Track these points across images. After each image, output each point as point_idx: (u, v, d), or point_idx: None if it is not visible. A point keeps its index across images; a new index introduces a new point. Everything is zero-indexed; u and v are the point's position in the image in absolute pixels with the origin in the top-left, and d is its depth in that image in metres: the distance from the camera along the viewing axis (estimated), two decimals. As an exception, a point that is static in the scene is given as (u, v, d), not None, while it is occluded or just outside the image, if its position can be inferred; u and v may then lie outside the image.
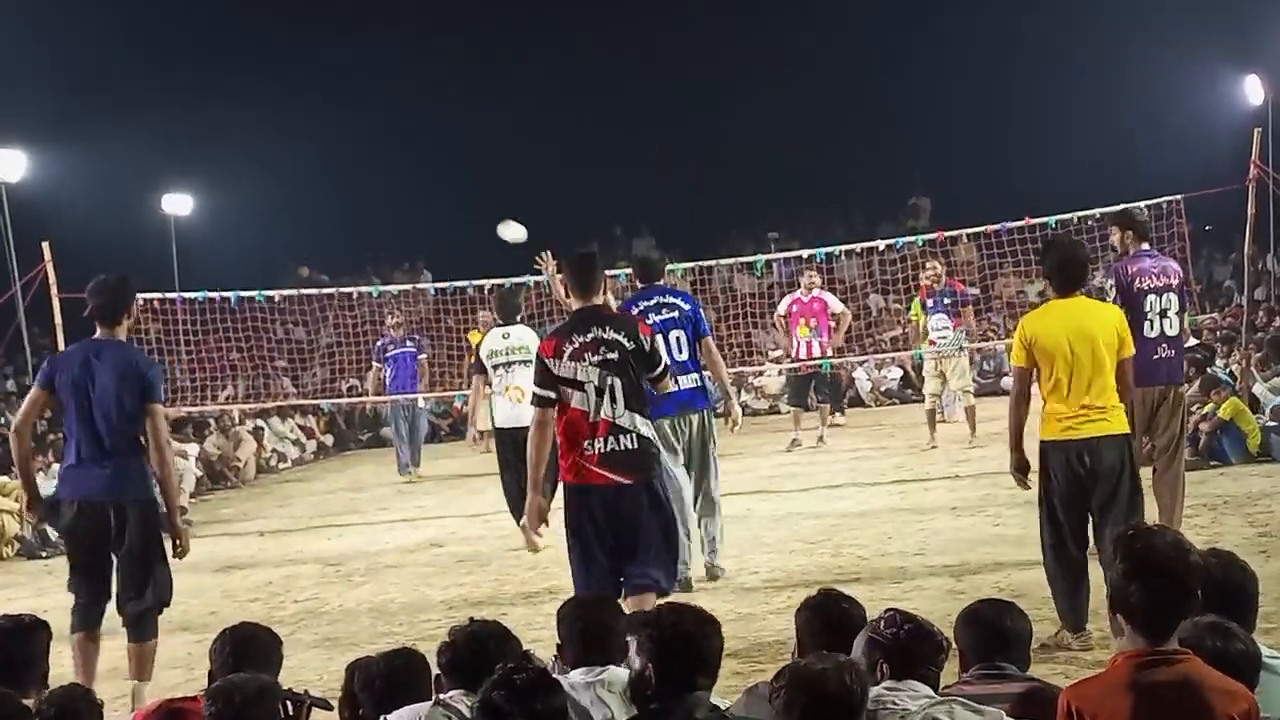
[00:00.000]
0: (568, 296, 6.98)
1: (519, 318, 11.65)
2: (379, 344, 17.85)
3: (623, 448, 6.66)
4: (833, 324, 16.35)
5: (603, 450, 6.66)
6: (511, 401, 11.00)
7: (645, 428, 6.76)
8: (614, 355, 6.67)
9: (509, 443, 10.91)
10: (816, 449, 16.42)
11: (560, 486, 7.12)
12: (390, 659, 4.56)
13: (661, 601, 4.76)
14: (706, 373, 9.37)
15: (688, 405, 9.16)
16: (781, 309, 16.62)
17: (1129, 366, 6.82)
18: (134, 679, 7.17)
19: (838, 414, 19.53)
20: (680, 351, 9.13)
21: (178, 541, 7.23)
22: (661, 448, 8.87)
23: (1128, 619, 3.61)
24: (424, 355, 17.91)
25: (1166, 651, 3.55)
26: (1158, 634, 3.57)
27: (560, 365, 6.66)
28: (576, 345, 6.67)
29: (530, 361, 10.06)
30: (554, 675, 4.34)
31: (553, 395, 6.69)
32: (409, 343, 17.58)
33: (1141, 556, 3.59)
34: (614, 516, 6.68)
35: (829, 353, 16.39)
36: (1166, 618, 3.59)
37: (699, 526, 9.35)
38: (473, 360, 11.85)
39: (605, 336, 6.69)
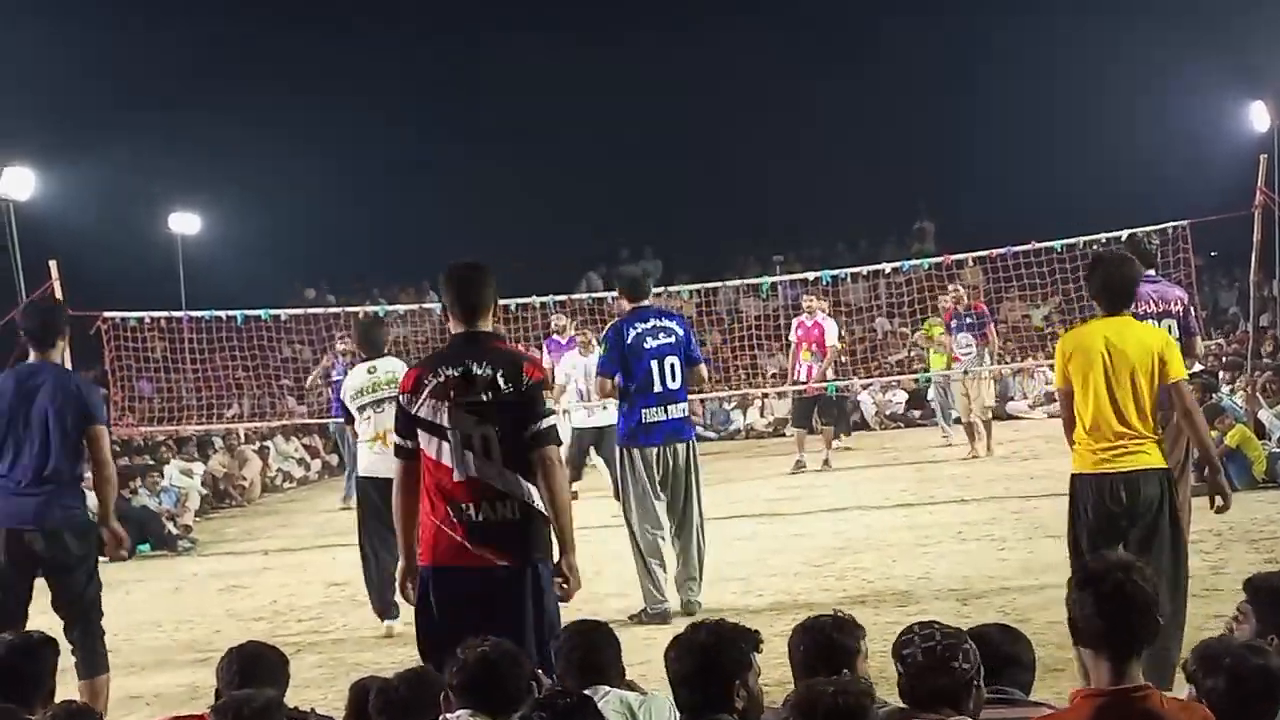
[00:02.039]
0: (446, 320, 5.56)
1: (386, 349, 9.70)
2: (327, 366, 17.76)
3: (500, 517, 5.21)
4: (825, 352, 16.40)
5: (473, 519, 5.20)
6: (384, 447, 8.71)
7: (531, 493, 5.26)
8: (486, 397, 5.22)
9: (367, 497, 9.28)
10: (821, 472, 16.39)
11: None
12: (408, 679, 4.55)
13: (698, 618, 4.39)
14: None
15: (674, 435, 8.98)
16: (791, 336, 16.68)
17: (1181, 390, 6.27)
18: None
19: (841, 435, 19.65)
20: (673, 380, 8.90)
21: (120, 543, 7.05)
22: (634, 482, 8.92)
23: (1087, 645, 3.56)
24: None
25: (1126, 689, 3.49)
26: (1117, 661, 3.52)
27: (418, 403, 5.29)
28: (442, 380, 5.26)
29: None
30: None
31: (411, 445, 5.33)
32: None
33: (1094, 579, 3.54)
34: (484, 610, 5.08)
35: (828, 377, 16.46)
36: (1129, 649, 3.53)
37: (677, 561, 9.08)
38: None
39: (479, 373, 5.24)
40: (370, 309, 20.91)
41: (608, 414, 13.22)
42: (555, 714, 3.69)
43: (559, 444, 5.40)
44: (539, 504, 5.28)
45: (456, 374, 5.26)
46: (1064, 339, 6.50)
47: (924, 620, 3.99)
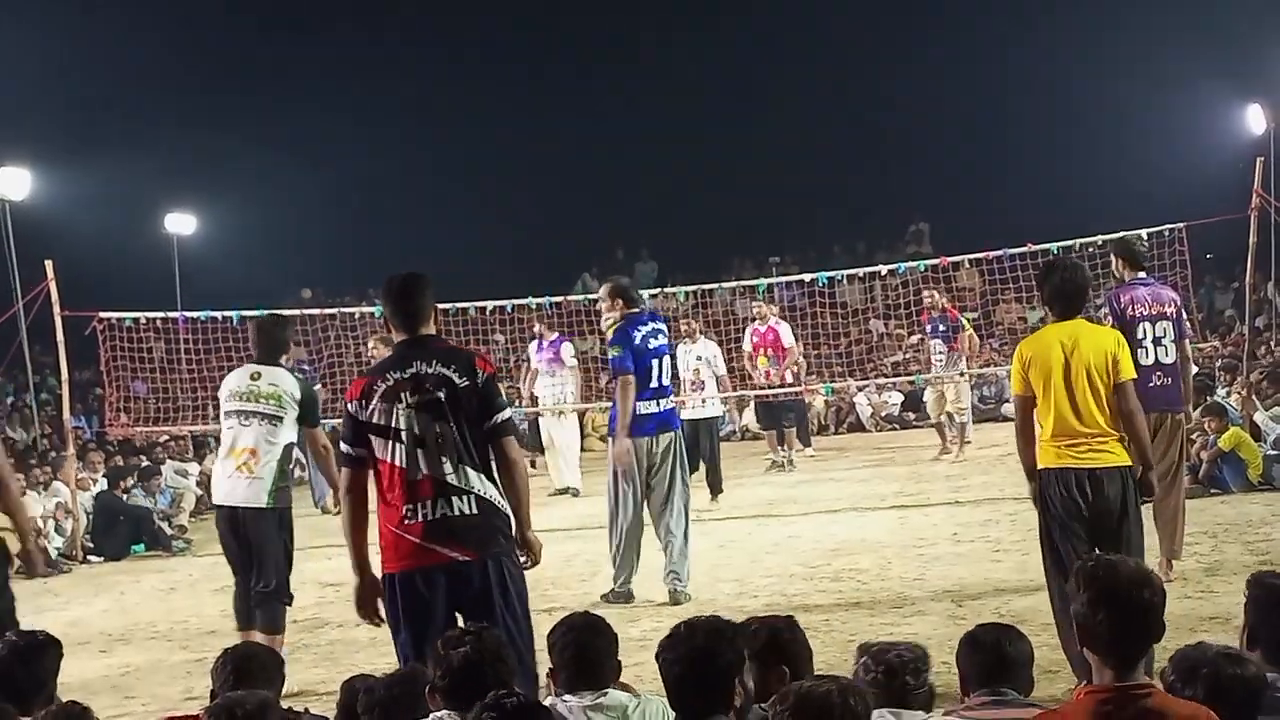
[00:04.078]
0: (387, 330, 5.52)
1: (285, 358, 8.54)
2: None
3: (456, 513, 5.27)
4: (784, 354, 16.54)
5: (430, 517, 5.26)
6: (238, 470, 8.01)
7: (487, 488, 5.36)
8: (439, 394, 5.29)
9: (225, 529, 8.23)
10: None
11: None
12: (393, 680, 4.53)
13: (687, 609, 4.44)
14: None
15: (665, 425, 9.55)
16: (746, 345, 16.84)
17: (1129, 390, 6.50)
18: None
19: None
20: (666, 376, 9.61)
21: (35, 560, 6.45)
22: (624, 473, 9.37)
23: (1094, 650, 3.58)
24: (317, 387, 17.86)
25: (1130, 686, 3.51)
26: (1125, 665, 3.53)
27: (368, 409, 5.33)
28: (391, 383, 5.33)
29: (282, 418, 8.10)
30: (546, 700, 4.34)
31: (362, 453, 5.37)
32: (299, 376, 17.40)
33: (1105, 586, 3.55)
34: (447, 605, 5.27)
35: (788, 380, 16.69)
36: (1132, 648, 3.55)
37: (663, 550, 9.49)
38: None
39: (429, 372, 5.32)
40: (367, 309, 20.87)
41: (706, 408, 14.65)
42: (503, 715, 3.68)
43: (516, 434, 5.57)
44: (496, 498, 5.39)
45: (405, 376, 5.33)
46: (1022, 346, 6.71)
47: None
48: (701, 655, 3.90)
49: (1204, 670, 3.70)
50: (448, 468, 5.29)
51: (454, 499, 5.28)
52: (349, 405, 5.41)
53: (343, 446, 5.46)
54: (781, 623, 4.47)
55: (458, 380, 5.32)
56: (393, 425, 5.29)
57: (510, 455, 5.44)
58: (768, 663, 4.21)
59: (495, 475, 5.41)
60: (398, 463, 5.29)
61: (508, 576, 5.37)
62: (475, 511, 5.30)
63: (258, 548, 8.09)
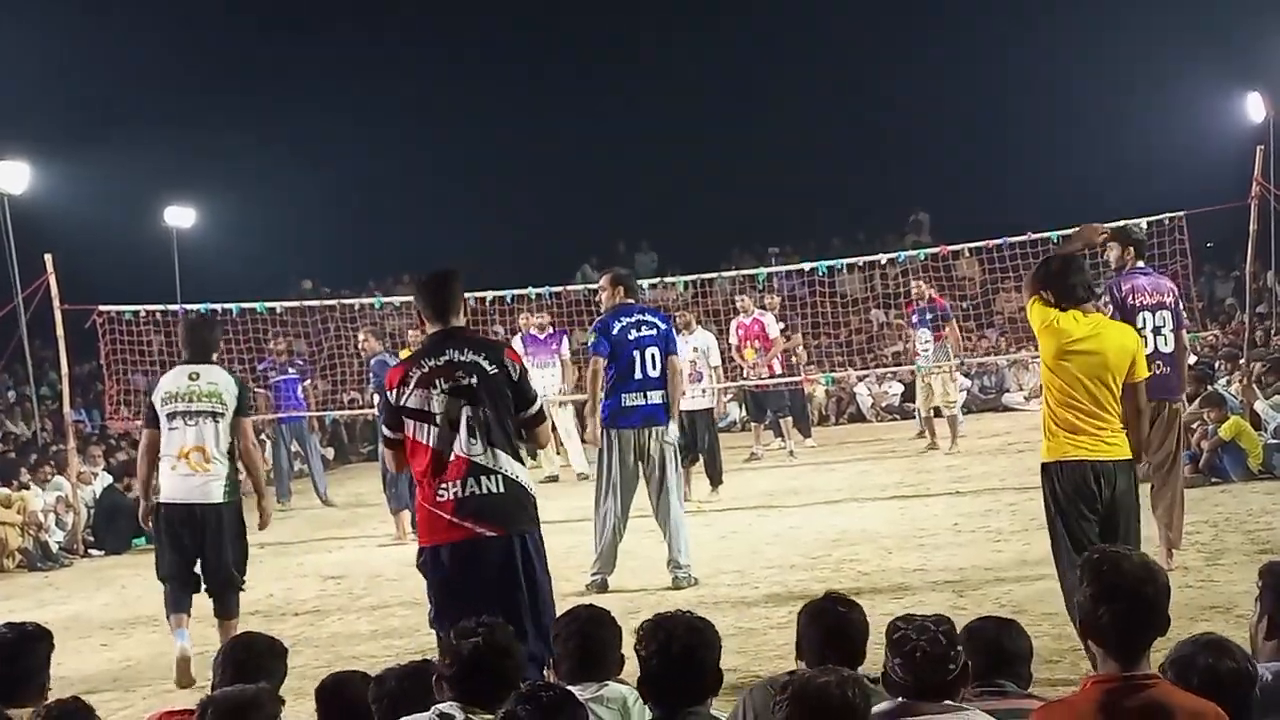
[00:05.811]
0: (419, 326, 5.98)
1: (215, 356, 8.51)
2: (261, 367, 17.85)
3: (485, 491, 5.67)
4: (770, 345, 16.61)
5: (459, 495, 5.66)
6: (189, 469, 8.01)
7: (514, 468, 5.78)
8: (471, 380, 5.69)
9: (173, 525, 8.11)
10: (818, 464, 16.46)
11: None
12: (402, 673, 4.51)
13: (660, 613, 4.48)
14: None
15: (652, 419, 9.63)
16: (733, 339, 16.89)
17: (1141, 390, 6.50)
18: None
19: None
20: (654, 368, 9.63)
21: None
22: (609, 461, 9.60)
23: (1097, 643, 3.58)
24: (308, 381, 17.99)
25: (1136, 676, 3.52)
26: (1128, 658, 3.54)
27: (406, 394, 5.71)
28: (426, 370, 5.73)
29: (223, 415, 8.08)
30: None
31: (399, 437, 5.78)
32: (291, 369, 17.50)
33: (1109, 580, 3.55)
34: (475, 577, 5.64)
35: (777, 372, 16.75)
36: (1136, 641, 3.55)
37: (663, 539, 9.74)
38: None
39: (461, 359, 5.72)
40: (367, 301, 20.88)
41: (703, 399, 14.48)
42: (539, 707, 3.68)
43: (546, 420, 6.09)
44: (523, 478, 5.80)
45: (440, 363, 5.72)
46: (1057, 316, 6.42)
47: (908, 614, 3.98)
48: (685, 648, 3.97)
49: (1195, 661, 3.69)
50: (478, 449, 5.68)
51: (482, 478, 5.67)
52: (388, 393, 5.80)
53: (383, 430, 5.99)
54: (820, 605, 4.49)
55: (488, 367, 5.72)
56: (428, 409, 5.68)
57: (540, 438, 6.13)
58: (817, 650, 4.27)
59: (523, 458, 5.85)
60: (432, 444, 5.68)
61: (533, 553, 5.77)
62: (502, 490, 5.69)
63: (215, 544, 8.13)
